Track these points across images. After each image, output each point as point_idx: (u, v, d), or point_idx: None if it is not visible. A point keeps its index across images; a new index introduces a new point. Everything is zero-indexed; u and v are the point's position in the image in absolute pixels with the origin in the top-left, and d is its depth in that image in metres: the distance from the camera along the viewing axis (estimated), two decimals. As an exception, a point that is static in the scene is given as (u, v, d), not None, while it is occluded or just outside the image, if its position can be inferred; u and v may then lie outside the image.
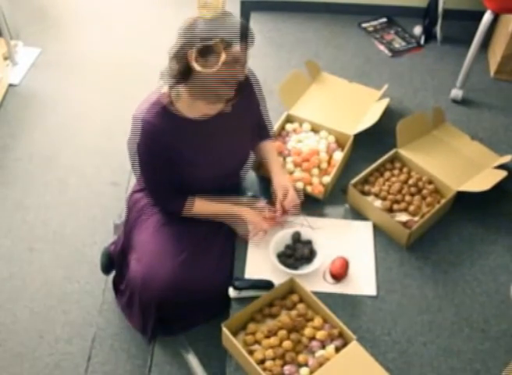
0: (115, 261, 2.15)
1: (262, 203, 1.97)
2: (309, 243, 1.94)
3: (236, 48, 1.58)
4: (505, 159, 2.21)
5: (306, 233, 1.95)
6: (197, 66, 1.55)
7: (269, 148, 2.04)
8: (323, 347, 1.68)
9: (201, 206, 1.88)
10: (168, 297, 1.82)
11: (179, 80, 1.64)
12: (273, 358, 1.65)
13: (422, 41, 2.97)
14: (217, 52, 1.55)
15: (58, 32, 3.64)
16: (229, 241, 1.96)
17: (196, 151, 1.81)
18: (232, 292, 1.78)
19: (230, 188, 2.01)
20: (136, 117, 1.73)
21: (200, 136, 1.79)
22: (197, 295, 1.85)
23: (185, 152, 1.79)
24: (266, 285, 1.79)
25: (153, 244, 1.88)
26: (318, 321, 1.73)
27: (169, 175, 1.81)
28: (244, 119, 1.88)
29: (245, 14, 3.04)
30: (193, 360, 1.92)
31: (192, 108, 1.73)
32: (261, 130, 2.04)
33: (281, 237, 1.94)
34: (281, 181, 1.96)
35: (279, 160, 2.07)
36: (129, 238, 2.00)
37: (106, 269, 2.25)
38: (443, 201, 2.05)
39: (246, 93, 1.82)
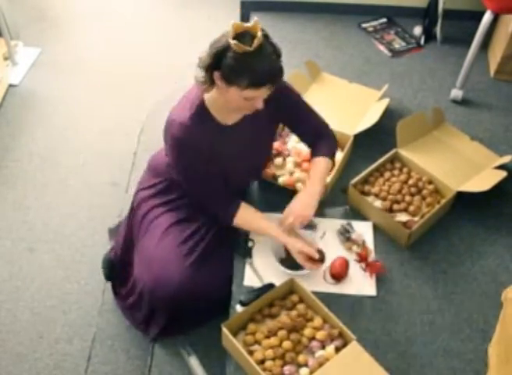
0: (116, 267, 2.15)
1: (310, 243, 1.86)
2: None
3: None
4: (505, 160, 2.21)
5: (304, 235, 1.95)
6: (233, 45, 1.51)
7: (318, 165, 1.92)
8: (323, 347, 1.69)
9: (246, 219, 1.84)
10: (180, 300, 1.82)
11: (211, 63, 1.58)
12: (273, 359, 1.65)
13: (422, 42, 2.97)
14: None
15: (58, 32, 3.64)
16: (227, 242, 1.96)
17: (224, 155, 1.78)
18: (239, 308, 1.78)
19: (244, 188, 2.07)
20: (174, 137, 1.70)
21: (229, 140, 1.77)
22: (204, 297, 1.85)
23: (216, 156, 1.76)
24: (270, 289, 1.80)
25: (161, 248, 1.86)
26: (317, 321, 1.73)
27: (216, 177, 1.78)
28: (266, 122, 1.85)
29: (245, 14, 3.04)
30: (193, 360, 1.92)
31: (227, 102, 1.66)
32: (317, 137, 1.95)
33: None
34: (292, 206, 1.88)
35: (321, 184, 1.90)
36: (131, 239, 2.00)
37: (109, 277, 2.23)
38: (443, 201, 2.05)
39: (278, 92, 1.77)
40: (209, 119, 1.72)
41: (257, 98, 1.61)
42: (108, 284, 2.24)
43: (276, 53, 1.58)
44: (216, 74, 1.58)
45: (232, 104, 1.65)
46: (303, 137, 1.99)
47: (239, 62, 1.52)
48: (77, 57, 3.44)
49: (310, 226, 1.96)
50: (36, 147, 2.91)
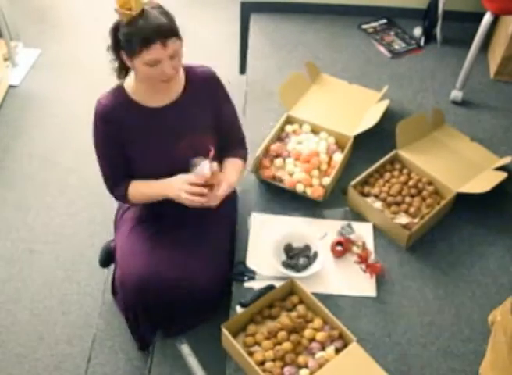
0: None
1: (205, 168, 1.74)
2: (307, 249, 1.94)
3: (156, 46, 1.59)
4: (505, 161, 2.21)
5: (304, 237, 1.95)
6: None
7: (232, 162, 1.90)
8: (323, 348, 1.68)
9: (137, 187, 1.83)
10: (143, 296, 1.80)
11: (113, 43, 1.70)
12: (273, 360, 1.65)
13: (422, 43, 2.97)
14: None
15: (58, 33, 3.64)
16: (222, 243, 1.93)
17: (147, 139, 1.78)
18: (239, 310, 1.77)
19: None
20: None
21: (152, 123, 1.77)
22: (184, 295, 1.82)
23: (136, 139, 1.77)
24: (270, 290, 1.80)
25: (127, 245, 1.87)
26: (317, 322, 1.73)
27: (120, 157, 1.80)
28: (203, 115, 1.83)
29: (245, 15, 3.04)
30: (192, 361, 1.92)
31: (140, 79, 1.71)
32: (233, 146, 1.94)
33: (280, 241, 1.94)
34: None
35: (236, 176, 1.88)
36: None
37: (103, 264, 2.26)
38: (443, 202, 2.05)
39: (207, 90, 1.81)
40: (126, 99, 1.75)
41: (161, 61, 1.61)
42: (109, 285, 2.24)
43: (167, 16, 1.62)
44: (122, 53, 1.67)
45: (144, 78, 1.69)
46: (222, 140, 1.92)
47: (127, 29, 1.59)
48: (77, 58, 3.44)
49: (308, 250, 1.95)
50: (36, 147, 2.91)
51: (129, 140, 1.77)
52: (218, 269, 1.87)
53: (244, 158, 1.96)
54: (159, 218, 1.90)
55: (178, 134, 1.79)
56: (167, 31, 1.59)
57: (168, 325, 1.94)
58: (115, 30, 1.64)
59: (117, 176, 1.84)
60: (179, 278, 1.80)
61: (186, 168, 1.77)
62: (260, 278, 1.85)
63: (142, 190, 1.83)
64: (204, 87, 1.81)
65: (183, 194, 1.72)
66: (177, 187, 1.74)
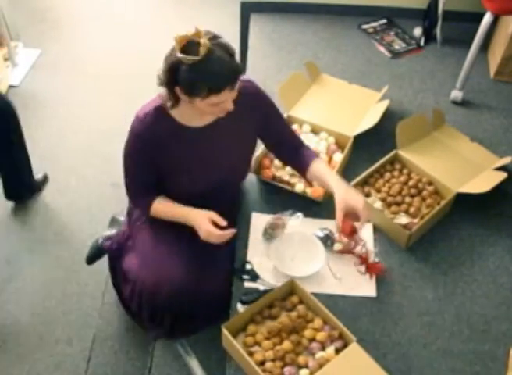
0: (109, 258, 2.12)
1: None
2: (307, 249, 1.93)
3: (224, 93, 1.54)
4: (505, 161, 2.21)
5: (304, 237, 1.95)
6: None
7: (322, 167, 1.85)
8: (323, 348, 1.68)
9: (162, 207, 1.82)
10: (180, 300, 1.81)
11: (169, 80, 1.58)
12: (273, 360, 1.65)
13: (422, 43, 2.97)
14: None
15: (58, 33, 3.64)
16: (227, 246, 1.92)
17: (186, 159, 1.76)
18: (240, 307, 1.78)
19: (225, 201, 1.93)
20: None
21: (192, 143, 1.75)
22: (206, 297, 1.84)
23: (174, 158, 1.75)
24: (270, 290, 1.80)
25: (157, 248, 1.86)
26: (317, 322, 1.73)
27: (149, 174, 1.79)
28: (245, 133, 1.82)
29: (245, 15, 3.04)
30: (193, 362, 1.92)
31: (192, 109, 1.67)
32: (295, 149, 1.90)
33: (282, 242, 1.94)
34: (341, 193, 1.73)
35: (334, 174, 1.84)
36: (128, 240, 1.99)
37: (90, 261, 2.23)
38: (443, 202, 2.05)
39: (249, 103, 1.76)
40: (166, 118, 1.71)
41: (224, 101, 1.59)
42: (109, 286, 2.24)
43: (229, 53, 1.54)
44: (177, 89, 1.58)
45: (204, 113, 1.65)
46: (281, 147, 1.93)
47: (192, 73, 1.50)
48: (77, 58, 3.45)
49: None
50: (36, 147, 2.91)
51: (165, 159, 1.74)
52: (228, 271, 1.88)
53: (315, 153, 1.91)
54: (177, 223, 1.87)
55: (217, 154, 1.78)
56: (236, 76, 1.53)
57: (173, 328, 1.94)
58: (174, 68, 1.52)
59: (139, 191, 1.84)
60: (208, 281, 1.81)
61: (220, 188, 1.80)
62: (261, 281, 1.85)
63: (166, 210, 1.82)
64: (246, 105, 1.73)
65: (209, 227, 1.70)
66: (203, 217, 1.72)
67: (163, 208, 1.82)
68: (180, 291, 1.78)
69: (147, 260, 1.85)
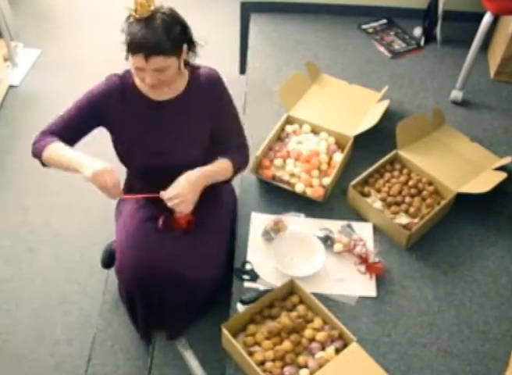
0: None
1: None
2: (307, 249, 1.94)
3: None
4: (505, 161, 2.21)
5: (304, 237, 1.95)
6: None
7: (218, 161, 1.81)
8: (323, 348, 1.68)
9: (60, 149, 1.79)
10: (141, 284, 1.81)
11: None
12: (273, 360, 1.65)
13: (422, 43, 2.97)
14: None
15: (58, 33, 3.64)
16: (222, 238, 1.92)
17: (139, 130, 1.79)
18: (240, 307, 1.78)
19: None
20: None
21: (148, 114, 1.78)
22: (181, 287, 1.82)
23: (126, 122, 1.80)
24: (270, 290, 1.80)
25: (123, 233, 1.88)
26: (317, 322, 1.73)
27: (78, 126, 1.86)
28: (199, 116, 1.80)
29: (245, 15, 3.04)
30: (193, 362, 1.92)
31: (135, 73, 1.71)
32: (231, 151, 1.85)
33: (282, 242, 1.94)
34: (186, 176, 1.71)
35: (212, 170, 1.77)
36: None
37: (106, 265, 2.27)
38: (443, 202, 2.05)
39: (209, 93, 1.78)
40: (131, 85, 1.77)
41: (143, 70, 1.62)
42: (109, 286, 2.24)
43: (166, 31, 1.58)
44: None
45: (136, 76, 1.72)
46: (222, 143, 1.86)
47: (126, 28, 1.61)
48: (77, 58, 3.45)
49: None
50: (36, 148, 2.91)
51: (117, 123, 1.82)
52: (217, 259, 1.87)
53: (237, 163, 1.83)
54: (157, 204, 1.80)
55: (169, 130, 1.79)
56: (151, 49, 1.57)
57: (167, 322, 1.94)
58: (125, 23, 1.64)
59: (56, 130, 1.86)
60: (177, 267, 1.79)
61: (170, 167, 1.73)
62: (261, 281, 1.85)
63: (62, 152, 1.78)
64: (205, 90, 1.79)
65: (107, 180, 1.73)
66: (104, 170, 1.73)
67: (61, 150, 1.79)
68: (139, 275, 1.79)
69: (117, 246, 1.89)
